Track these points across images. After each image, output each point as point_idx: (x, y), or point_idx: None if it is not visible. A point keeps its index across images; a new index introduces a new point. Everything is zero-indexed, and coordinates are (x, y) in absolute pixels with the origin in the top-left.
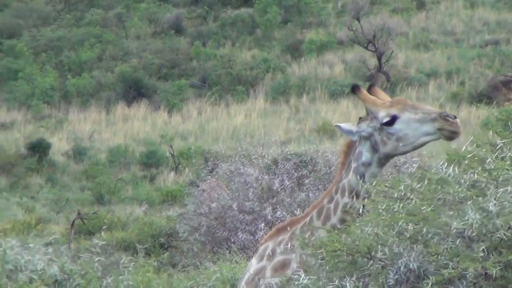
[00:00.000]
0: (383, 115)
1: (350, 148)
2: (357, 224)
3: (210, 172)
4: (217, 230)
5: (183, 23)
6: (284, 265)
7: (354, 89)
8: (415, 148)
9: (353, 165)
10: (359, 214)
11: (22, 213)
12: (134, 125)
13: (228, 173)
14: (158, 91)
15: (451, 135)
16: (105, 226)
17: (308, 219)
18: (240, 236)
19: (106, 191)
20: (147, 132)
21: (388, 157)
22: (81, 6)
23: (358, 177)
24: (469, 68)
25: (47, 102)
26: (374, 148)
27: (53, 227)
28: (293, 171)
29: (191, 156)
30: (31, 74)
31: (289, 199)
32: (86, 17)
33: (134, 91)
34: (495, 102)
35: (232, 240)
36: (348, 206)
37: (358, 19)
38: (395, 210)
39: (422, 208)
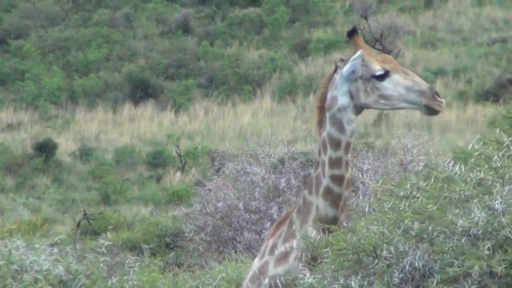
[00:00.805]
0: (377, 68)
1: (323, 101)
2: (363, 223)
3: (217, 171)
4: (223, 230)
5: (191, 23)
6: (286, 254)
7: (353, 32)
8: (393, 109)
9: (328, 114)
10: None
11: (28, 213)
12: (141, 125)
13: (234, 173)
14: (165, 91)
15: (433, 113)
16: (111, 226)
17: (301, 200)
18: (246, 236)
19: (113, 191)
20: (154, 132)
21: (364, 107)
22: (89, 6)
23: (336, 125)
24: (476, 66)
25: (54, 103)
26: (351, 94)
27: (59, 228)
28: (299, 170)
29: (197, 155)
30: (38, 75)
31: (296, 198)
32: (93, 17)
33: (141, 91)
34: (502, 100)
35: (238, 239)
36: (334, 158)
37: (365, 18)
38: (401, 208)
39: (428, 207)
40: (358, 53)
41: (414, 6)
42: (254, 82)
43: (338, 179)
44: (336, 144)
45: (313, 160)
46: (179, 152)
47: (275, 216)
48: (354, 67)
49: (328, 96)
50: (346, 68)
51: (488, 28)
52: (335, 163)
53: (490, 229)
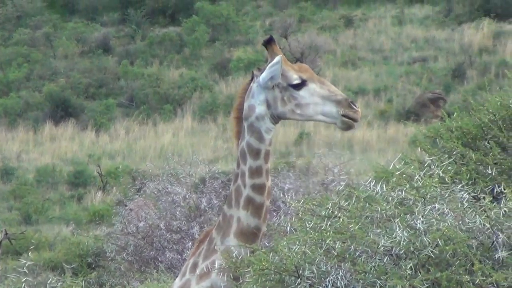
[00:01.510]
0: (295, 77)
1: (240, 111)
2: (285, 242)
3: (138, 191)
4: (145, 250)
5: (111, 42)
6: (208, 270)
7: (270, 41)
8: (309, 120)
9: (246, 124)
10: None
11: None
12: (62, 145)
13: (155, 192)
14: (85, 110)
15: (350, 124)
16: (33, 246)
17: (220, 217)
18: (167, 255)
19: (34, 211)
20: (75, 152)
21: (281, 117)
22: (9, 26)
23: (254, 134)
24: (397, 85)
25: None
26: (268, 103)
27: None
28: (220, 190)
29: (118, 175)
30: None
31: (217, 218)
32: (13, 36)
33: (61, 111)
34: (423, 119)
35: (160, 259)
36: (254, 167)
37: (286, 37)
38: (322, 228)
39: (350, 226)
40: (278, 58)
41: (334, 25)
42: (174, 101)
43: (259, 188)
44: (255, 153)
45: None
46: (100, 172)
47: (196, 236)
48: (273, 73)
49: (245, 106)
50: (263, 75)
51: (408, 47)
52: (256, 172)
53: (412, 249)
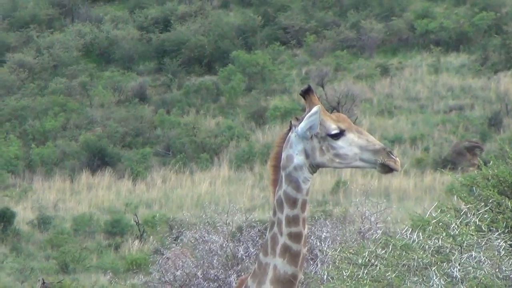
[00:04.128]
0: (333, 127)
1: (277, 159)
2: None
3: (175, 240)
4: None
5: (147, 91)
6: None
7: (308, 91)
8: (348, 167)
9: (283, 174)
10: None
11: None
12: (99, 194)
13: (192, 241)
14: (122, 159)
15: (389, 171)
16: None
17: (256, 265)
18: None
19: (71, 259)
20: (112, 201)
21: (320, 166)
22: (45, 75)
23: (292, 184)
24: (434, 134)
25: (11, 171)
26: (306, 153)
27: None
28: (257, 238)
29: (155, 224)
30: None
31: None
32: (50, 86)
33: (98, 160)
34: (459, 167)
35: None
36: (291, 216)
37: (322, 86)
38: (359, 276)
39: (387, 274)
40: (316, 108)
41: (370, 74)
42: (211, 150)
43: (296, 237)
44: (292, 203)
45: None
46: (137, 221)
47: (233, 285)
48: (312, 123)
49: (283, 155)
50: (302, 125)
51: (444, 96)
52: (292, 220)
53: None
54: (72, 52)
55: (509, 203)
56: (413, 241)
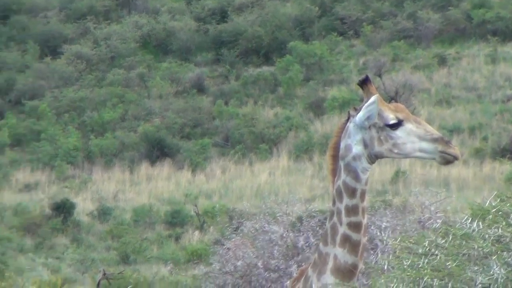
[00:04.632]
0: (391, 117)
1: (336, 149)
2: (382, 280)
3: (235, 230)
4: None
5: (205, 82)
6: None
7: (365, 81)
8: (406, 157)
9: (342, 164)
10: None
11: (47, 274)
12: (158, 185)
13: (253, 231)
14: (181, 150)
15: (450, 160)
16: (131, 286)
17: (316, 255)
18: None
19: (132, 250)
20: (171, 191)
21: (378, 156)
22: (103, 67)
23: (351, 173)
24: (492, 123)
25: (71, 163)
26: (365, 143)
27: None
28: (317, 228)
29: (215, 214)
30: (53, 135)
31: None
32: (108, 77)
33: (157, 151)
34: None
35: None
36: (351, 206)
37: (380, 76)
38: (420, 266)
39: (447, 264)
40: (374, 97)
41: (428, 64)
42: (270, 140)
43: (356, 226)
44: (351, 192)
45: None
46: (197, 211)
47: (294, 275)
48: (370, 112)
49: (342, 145)
50: (360, 115)
51: (502, 85)
52: (352, 210)
53: (509, 286)
54: (129, 43)
55: None
56: (473, 230)
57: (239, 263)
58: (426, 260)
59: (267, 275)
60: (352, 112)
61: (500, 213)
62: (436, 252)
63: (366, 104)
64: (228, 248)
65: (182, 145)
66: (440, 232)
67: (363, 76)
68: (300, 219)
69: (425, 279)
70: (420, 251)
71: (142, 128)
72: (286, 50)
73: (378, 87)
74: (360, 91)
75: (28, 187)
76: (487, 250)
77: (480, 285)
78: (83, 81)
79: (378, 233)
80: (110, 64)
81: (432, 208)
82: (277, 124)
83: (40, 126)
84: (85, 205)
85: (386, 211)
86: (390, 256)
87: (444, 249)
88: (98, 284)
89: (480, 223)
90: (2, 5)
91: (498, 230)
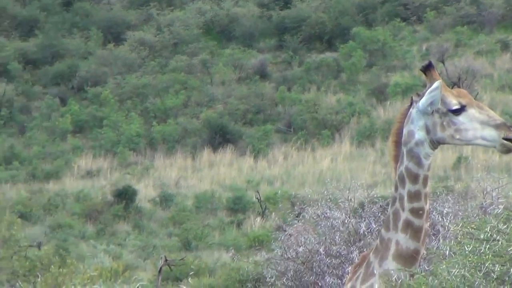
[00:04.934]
0: (454, 102)
1: (399, 135)
2: (444, 266)
3: (297, 216)
4: (305, 275)
5: (268, 68)
6: None
7: (429, 67)
8: (468, 144)
9: (405, 149)
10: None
11: (109, 260)
12: (220, 171)
13: (314, 217)
14: (243, 136)
15: (510, 147)
16: (193, 272)
17: (378, 241)
18: (327, 280)
19: (193, 237)
20: (233, 178)
21: (440, 142)
22: (166, 53)
23: (414, 159)
24: None
25: (133, 149)
26: (427, 128)
27: (140, 274)
28: (379, 214)
29: (277, 201)
30: (116, 122)
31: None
32: (170, 63)
33: (219, 137)
34: None
35: (320, 284)
36: (413, 191)
37: (443, 62)
38: (481, 251)
39: (509, 249)
40: (437, 83)
41: (491, 49)
42: (332, 126)
43: (418, 212)
44: (414, 178)
45: None
46: (259, 198)
47: (356, 260)
48: (433, 98)
49: (405, 131)
50: (423, 101)
51: None
52: (414, 196)
53: None
54: (192, 29)
55: None
56: None
57: (300, 249)
58: (488, 246)
59: (329, 261)
60: (415, 98)
61: None
62: (498, 237)
63: (429, 90)
64: (290, 234)
65: (244, 131)
66: (502, 217)
67: (426, 62)
68: (362, 205)
69: (486, 265)
70: (481, 236)
71: (205, 115)
72: (349, 36)
73: (441, 73)
74: (423, 77)
75: (90, 174)
76: None
77: None
78: (146, 67)
79: (440, 219)
80: (173, 51)
81: (494, 194)
82: (340, 110)
83: (103, 112)
84: (147, 192)
85: (448, 196)
86: (452, 242)
87: (506, 235)
88: (160, 271)
89: None
90: None
91: None
